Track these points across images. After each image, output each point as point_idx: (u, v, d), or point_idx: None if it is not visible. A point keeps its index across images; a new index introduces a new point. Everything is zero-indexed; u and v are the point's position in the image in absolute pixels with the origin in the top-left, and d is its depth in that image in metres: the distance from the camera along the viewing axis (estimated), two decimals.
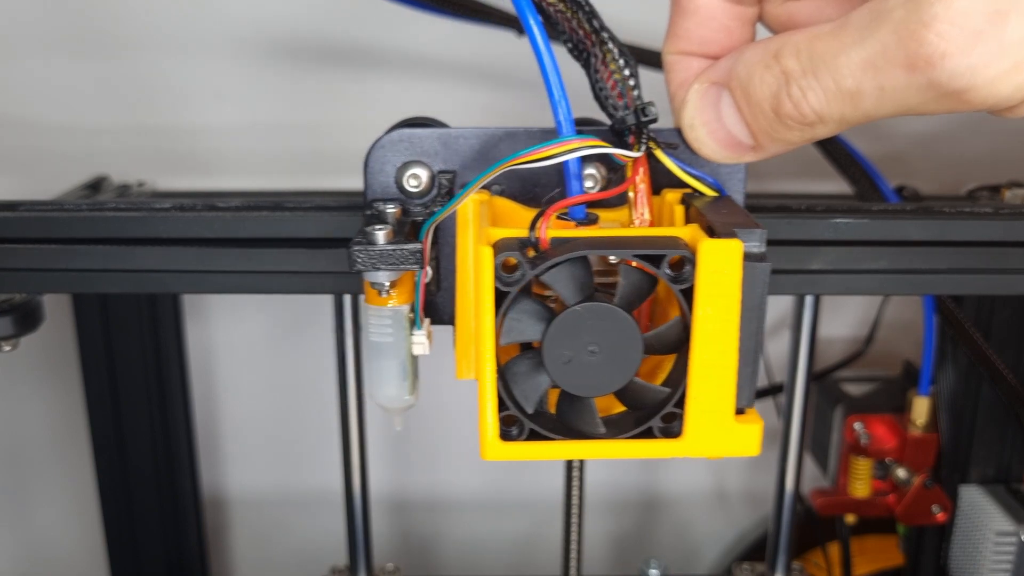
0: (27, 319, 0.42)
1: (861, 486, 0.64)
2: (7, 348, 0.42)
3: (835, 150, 0.54)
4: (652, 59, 0.42)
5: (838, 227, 0.38)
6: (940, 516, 0.62)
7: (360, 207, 0.39)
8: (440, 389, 0.78)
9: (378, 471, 0.76)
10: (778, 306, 0.69)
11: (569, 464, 0.57)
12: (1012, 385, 0.54)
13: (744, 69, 0.30)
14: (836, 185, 0.60)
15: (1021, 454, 0.61)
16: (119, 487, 0.68)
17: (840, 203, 0.46)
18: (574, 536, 0.59)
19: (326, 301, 0.63)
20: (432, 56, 0.68)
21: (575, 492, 0.58)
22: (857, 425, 0.63)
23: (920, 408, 0.62)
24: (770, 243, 0.29)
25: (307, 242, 0.38)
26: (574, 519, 0.59)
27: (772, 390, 0.69)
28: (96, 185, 0.62)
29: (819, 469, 0.69)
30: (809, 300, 0.53)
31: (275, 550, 0.83)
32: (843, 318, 0.75)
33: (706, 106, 0.32)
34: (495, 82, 0.68)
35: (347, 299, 0.57)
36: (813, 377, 0.58)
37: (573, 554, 0.60)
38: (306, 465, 0.80)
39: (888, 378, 0.69)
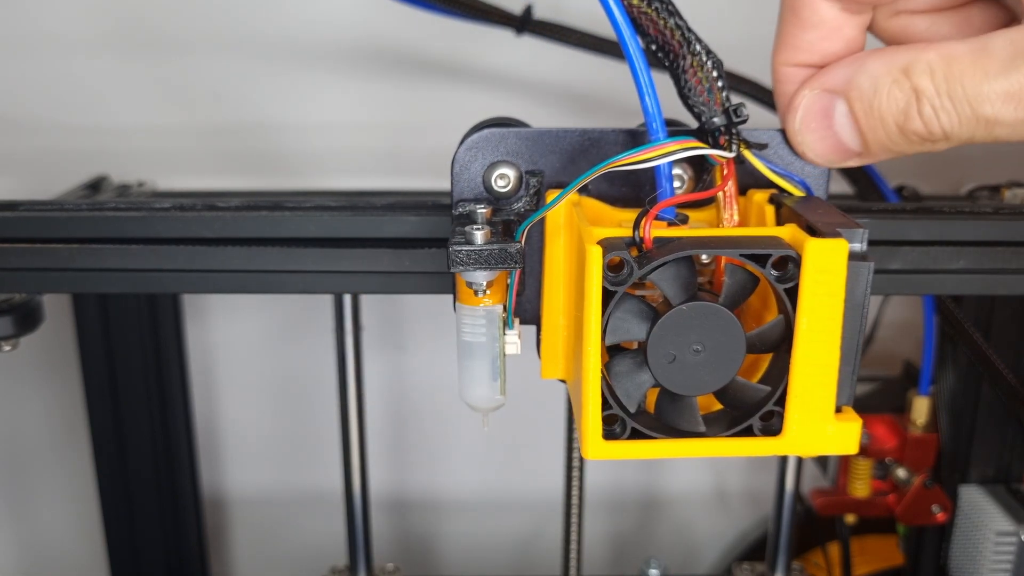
0: (27, 319, 0.42)
1: (861, 486, 0.64)
2: (7, 348, 0.42)
3: None
4: None
5: None
6: (940, 516, 0.62)
7: (361, 207, 0.39)
8: (441, 390, 0.78)
9: (378, 471, 0.76)
10: None
11: (569, 464, 0.57)
12: (1012, 385, 0.54)
13: (868, 82, 0.30)
14: (836, 184, 0.60)
15: (1021, 454, 0.61)
16: (119, 487, 0.68)
17: (840, 203, 0.46)
18: (574, 536, 0.59)
19: (326, 301, 0.63)
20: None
21: (575, 492, 0.58)
22: None
23: (920, 408, 0.62)
24: None
25: (308, 242, 0.38)
26: (574, 519, 0.59)
27: None
28: (96, 185, 0.62)
29: (819, 469, 0.69)
30: None
31: (275, 550, 0.83)
32: None
33: (817, 112, 0.32)
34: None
35: (347, 299, 0.57)
36: None
37: (573, 554, 0.60)
38: (306, 465, 0.80)
39: (888, 378, 0.69)
